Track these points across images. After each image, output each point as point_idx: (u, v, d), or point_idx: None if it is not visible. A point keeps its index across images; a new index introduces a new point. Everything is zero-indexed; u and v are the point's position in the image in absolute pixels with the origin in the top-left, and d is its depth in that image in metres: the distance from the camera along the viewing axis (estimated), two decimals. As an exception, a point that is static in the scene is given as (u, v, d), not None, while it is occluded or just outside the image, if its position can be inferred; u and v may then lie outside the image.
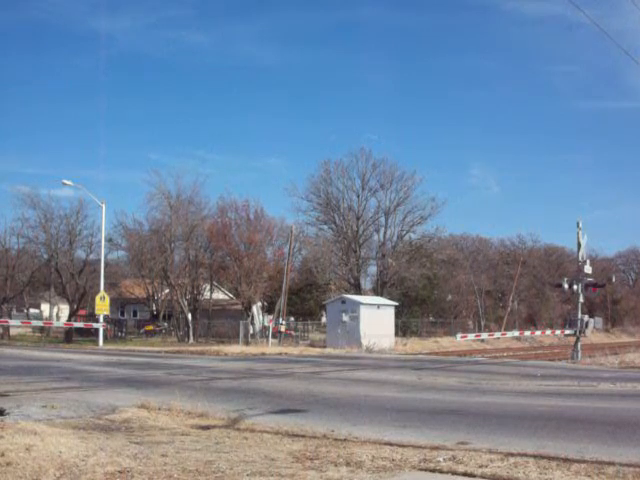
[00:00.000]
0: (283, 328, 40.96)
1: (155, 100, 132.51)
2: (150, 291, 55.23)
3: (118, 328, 50.34)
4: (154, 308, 56.85)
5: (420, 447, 8.21)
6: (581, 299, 29.65)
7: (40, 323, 48.99)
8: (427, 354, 34.16)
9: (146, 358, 28.17)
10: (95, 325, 40.95)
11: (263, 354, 31.08)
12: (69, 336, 45.32)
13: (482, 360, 29.57)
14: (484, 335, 41.22)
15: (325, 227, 53.49)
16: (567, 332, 31.81)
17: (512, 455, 7.51)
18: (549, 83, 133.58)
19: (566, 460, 7.23)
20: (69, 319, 47.68)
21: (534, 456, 7.44)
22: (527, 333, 42.72)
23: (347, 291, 46.68)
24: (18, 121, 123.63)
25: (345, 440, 8.84)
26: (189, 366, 23.48)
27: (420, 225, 51.92)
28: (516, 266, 60.30)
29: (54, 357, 28.37)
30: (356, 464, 7.12)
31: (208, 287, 52.70)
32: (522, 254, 66.80)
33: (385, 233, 51.58)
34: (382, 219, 51.68)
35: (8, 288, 48.40)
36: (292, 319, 57.14)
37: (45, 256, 50.55)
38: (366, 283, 56.31)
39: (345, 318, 36.89)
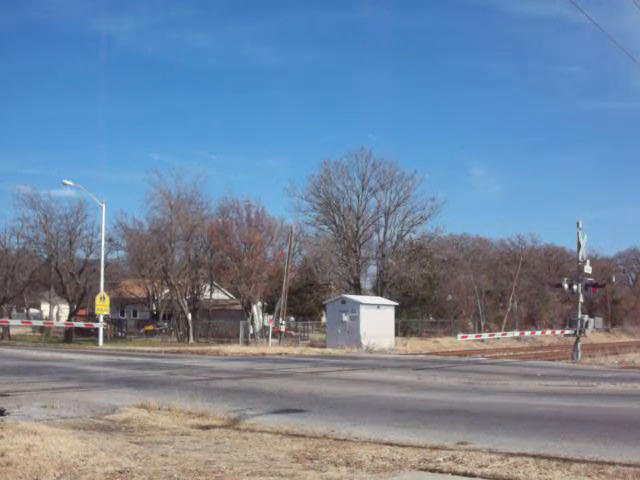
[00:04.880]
0: (283, 328, 40.95)
1: (157, 100, 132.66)
2: (150, 291, 55.17)
3: (118, 328, 50.30)
4: (154, 308, 56.80)
5: (420, 447, 8.21)
6: (581, 299, 29.65)
7: (40, 323, 48.95)
8: (427, 354, 34.14)
9: (146, 358, 28.16)
10: (95, 324, 40.93)
11: (263, 354, 31.08)
12: (69, 336, 45.30)
13: (482, 360, 29.56)
14: (484, 335, 41.22)
15: (325, 227, 53.49)
16: (567, 332, 31.83)
17: (512, 455, 7.51)
18: (549, 83, 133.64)
19: (566, 460, 7.23)
20: (69, 319, 47.67)
21: (534, 456, 7.44)
22: (527, 333, 42.70)
23: (347, 291, 46.64)
24: (18, 121, 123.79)
25: (345, 440, 8.84)
26: (189, 366, 23.48)
27: (420, 225, 51.87)
28: (516, 266, 60.31)
29: (54, 357, 28.36)
30: (356, 464, 7.12)
31: (208, 287, 52.64)
32: (522, 254, 66.76)
33: (385, 233, 51.56)
34: (382, 219, 51.65)
35: (8, 288, 48.38)
36: (292, 319, 57.17)
37: (45, 256, 50.54)
38: (366, 283, 56.31)
39: (345, 318, 36.87)
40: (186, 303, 47.79)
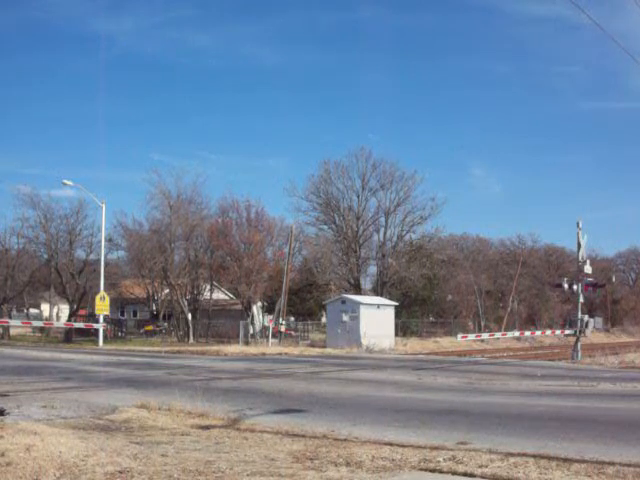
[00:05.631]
0: (283, 328, 40.95)
1: (157, 100, 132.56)
2: (150, 291, 55.15)
3: (118, 328, 50.32)
4: (154, 308, 56.76)
5: (420, 447, 8.20)
6: (581, 299, 29.63)
7: (40, 323, 48.94)
8: (427, 354, 34.14)
9: (146, 358, 28.17)
10: (95, 325, 40.93)
11: (263, 354, 31.08)
12: (69, 336, 45.29)
13: (482, 360, 29.56)
14: (484, 335, 41.21)
15: (325, 227, 53.49)
16: (567, 332, 31.81)
17: (512, 455, 7.51)
18: (549, 83, 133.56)
19: (566, 460, 7.23)
20: (69, 319, 47.67)
21: (534, 456, 7.44)
22: (527, 333, 42.68)
23: (347, 291, 46.64)
24: (18, 121, 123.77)
25: (345, 440, 8.84)
26: (189, 366, 23.48)
27: (420, 225, 51.88)
28: (516, 266, 60.30)
29: (54, 357, 28.36)
30: (356, 464, 7.12)
31: (208, 287, 52.65)
32: (522, 254, 66.75)
33: (385, 233, 51.55)
34: (382, 219, 51.65)
35: (8, 288, 48.36)
36: (292, 319, 57.16)
37: (45, 256, 50.54)
38: (366, 283, 56.31)
39: (345, 318, 36.86)
40: (186, 303, 47.80)
